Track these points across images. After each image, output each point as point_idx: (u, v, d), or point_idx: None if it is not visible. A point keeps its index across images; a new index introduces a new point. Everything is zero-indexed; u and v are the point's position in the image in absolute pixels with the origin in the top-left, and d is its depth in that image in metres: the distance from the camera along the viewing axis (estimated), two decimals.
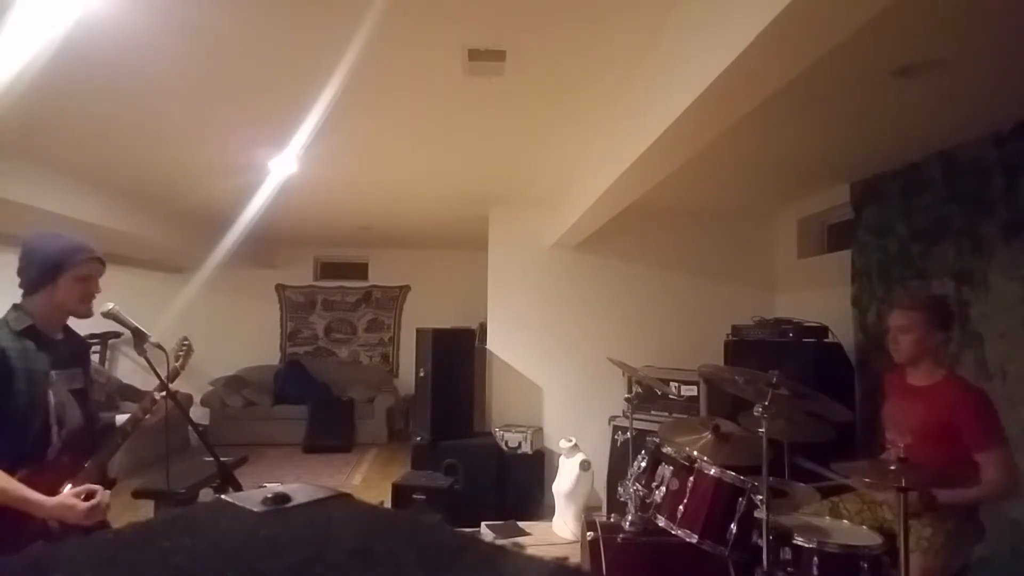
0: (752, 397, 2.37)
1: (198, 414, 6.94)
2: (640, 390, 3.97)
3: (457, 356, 4.93)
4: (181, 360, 2.22)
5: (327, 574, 0.75)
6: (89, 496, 1.76)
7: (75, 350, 1.95)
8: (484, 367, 5.23)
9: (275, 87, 2.77)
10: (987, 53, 2.23)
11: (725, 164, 3.74)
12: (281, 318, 8.42)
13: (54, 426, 1.78)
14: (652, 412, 4.37)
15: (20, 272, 1.84)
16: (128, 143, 3.63)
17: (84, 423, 1.89)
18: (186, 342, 2.26)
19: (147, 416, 2.01)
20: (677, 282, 5.21)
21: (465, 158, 3.94)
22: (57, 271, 1.80)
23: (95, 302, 1.89)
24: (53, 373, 1.80)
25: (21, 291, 1.83)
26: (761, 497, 2.20)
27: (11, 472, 1.66)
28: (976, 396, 2.25)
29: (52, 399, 1.78)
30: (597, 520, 2.96)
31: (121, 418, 2.01)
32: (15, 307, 1.82)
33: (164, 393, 1.99)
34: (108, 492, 1.83)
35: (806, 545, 2.14)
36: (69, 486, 1.76)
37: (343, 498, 1.07)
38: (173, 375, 2.14)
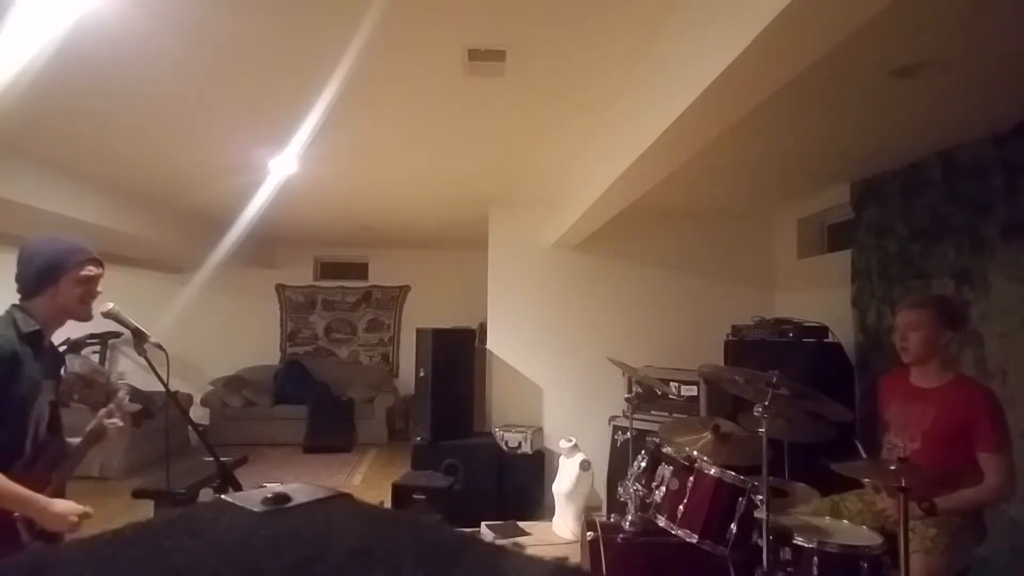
0: (752, 397, 2.37)
1: (198, 414, 6.94)
2: (640, 390, 3.96)
3: (457, 356, 4.92)
4: (113, 408, 1.98)
5: (327, 574, 0.75)
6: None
7: (55, 360, 1.90)
8: (484, 367, 5.23)
9: (275, 87, 2.77)
10: (987, 53, 2.22)
11: (725, 164, 3.74)
12: (281, 318, 8.42)
13: (28, 438, 1.71)
14: (652, 412, 4.38)
15: (19, 277, 1.78)
16: (128, 143, 3.63)
17: (52, 435, 1.82)
18: (123, 380, 2.11)
19: (110, 422, 1.92)
20: (677, 282, 5.21)
21: (465, 158, 3.94)
22: (58, 272, 1.76)
23: (94, 303, 1.86)
24: (43, 382, 1.76)
25: (19, 296, 1.78)
26: (761, 497, 2.20)
27: None
28: (990, 396, 2.25)
29: (34, 410, 1.73)
30: (597, 520, 2.96)
31: (76, 441, 1.91)
32: (19, 308, 1.75)
33: (112, 401, 1.91)
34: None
35: (806, 545, 2.14)
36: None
37: (343, 498, 1.07)
38: (100, 405, 2.00)
